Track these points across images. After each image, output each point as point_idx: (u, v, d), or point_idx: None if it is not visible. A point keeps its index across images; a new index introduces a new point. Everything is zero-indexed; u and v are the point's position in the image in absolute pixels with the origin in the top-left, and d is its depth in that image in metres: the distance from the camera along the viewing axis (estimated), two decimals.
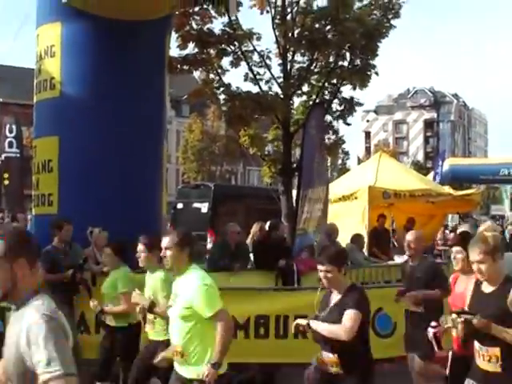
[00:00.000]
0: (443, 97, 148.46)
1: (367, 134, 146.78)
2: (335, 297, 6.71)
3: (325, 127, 18.63)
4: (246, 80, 18.33)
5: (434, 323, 7.08)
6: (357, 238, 15.69)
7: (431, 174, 31.24)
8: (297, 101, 20.11)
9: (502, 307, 5.75)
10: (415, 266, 9.43)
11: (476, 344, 6.00)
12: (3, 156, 26.08)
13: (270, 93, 18.32)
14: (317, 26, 17.95)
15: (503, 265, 6.09)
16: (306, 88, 19.50)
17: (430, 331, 7.20)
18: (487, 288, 6.01)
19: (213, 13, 17.57)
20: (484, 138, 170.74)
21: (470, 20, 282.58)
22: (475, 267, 5.95)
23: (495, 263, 5.89)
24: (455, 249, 7.98)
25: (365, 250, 16.36)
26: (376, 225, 18.32)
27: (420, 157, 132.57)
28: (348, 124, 20.08)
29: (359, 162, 42.38)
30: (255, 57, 18.27)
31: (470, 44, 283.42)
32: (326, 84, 19.14)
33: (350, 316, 6.37)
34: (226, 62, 18.16)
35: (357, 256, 15.30)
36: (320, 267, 6.65)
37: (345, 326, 6.36)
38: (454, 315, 5.98)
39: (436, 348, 7.33)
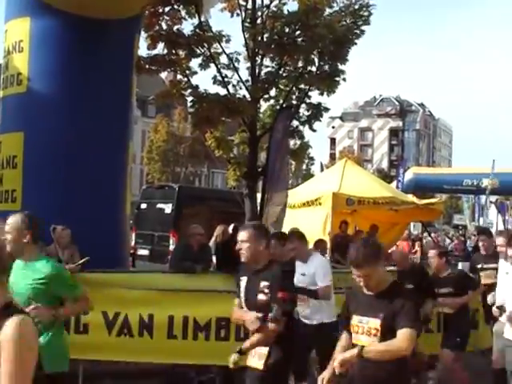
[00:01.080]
0: (409, 106, 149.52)
1: (332, 141, 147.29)
2: None
3: (290, 132, 18.69)
4: (214, 83, 18.33)
5: None
6: (320, 244, 15.71)
7: (395, 183, 31.38)
8: (264, 105, 20.17)
9: None
10: None
11: None
12: None
13: (238, 96, 18.33)
14: (287, 30, 18.00)
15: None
16: (273, 92, 19.59)
17: None
18: None
19: (183, 14, 17.57)
20: (448, 148, 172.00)
21: (438, 31, 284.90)
22: None
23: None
24: None
25: (327, 256, 16.39)
26: (339, 231, 18.37)
27: (384, 165, 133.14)
28: (314, 130, 20.14)
29: (323, 168, 42.44)
30: (224, 59, 18.31)
31: (437, 55, 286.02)
32: (294, 89, 19.20)
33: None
34: (194, 63, 18.17)
35: None
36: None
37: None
38: None
39: None
